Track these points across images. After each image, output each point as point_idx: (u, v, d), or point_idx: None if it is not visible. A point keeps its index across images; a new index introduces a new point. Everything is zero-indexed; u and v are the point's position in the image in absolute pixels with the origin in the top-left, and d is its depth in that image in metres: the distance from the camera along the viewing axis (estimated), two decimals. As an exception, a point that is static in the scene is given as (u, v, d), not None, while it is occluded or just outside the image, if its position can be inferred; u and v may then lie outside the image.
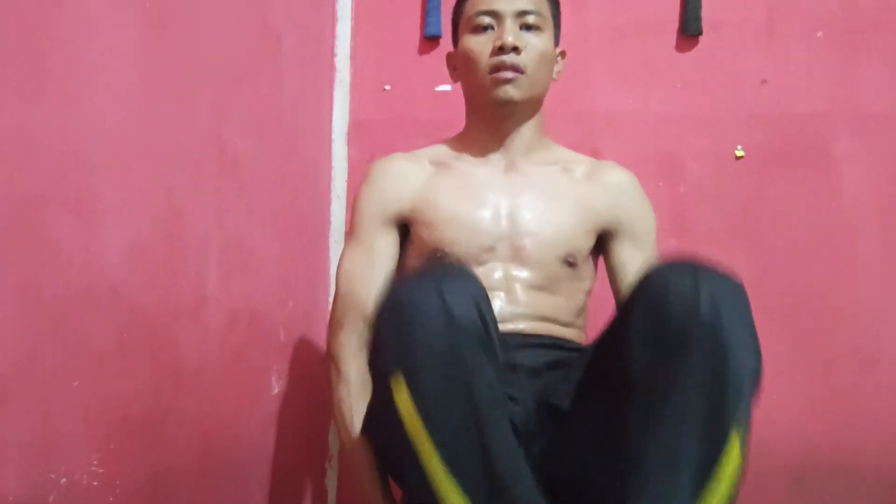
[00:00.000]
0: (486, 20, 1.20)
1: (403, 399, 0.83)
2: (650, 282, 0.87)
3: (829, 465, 1.44)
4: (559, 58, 1.28)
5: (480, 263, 1.16)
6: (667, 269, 0.87)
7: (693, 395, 0.81)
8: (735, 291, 0.84)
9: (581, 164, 1.27)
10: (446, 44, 1.41)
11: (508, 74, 1.17)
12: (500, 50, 1.16)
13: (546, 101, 1.33)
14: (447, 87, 1.59)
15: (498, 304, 1.13)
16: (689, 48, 1.54)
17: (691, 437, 0.80)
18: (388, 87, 1.63)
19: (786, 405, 1.46)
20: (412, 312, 0.84)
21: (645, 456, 0.82)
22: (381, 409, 0.91)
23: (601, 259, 1.28)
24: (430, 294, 0.84)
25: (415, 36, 1.62)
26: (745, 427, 0.81)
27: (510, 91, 1.18)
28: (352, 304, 1.19)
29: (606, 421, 0.90)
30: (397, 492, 1.05)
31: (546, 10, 1.23)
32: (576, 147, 1.45)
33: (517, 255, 1.16)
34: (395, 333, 0.85)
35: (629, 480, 0.83)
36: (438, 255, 1.16)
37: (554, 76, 1.26)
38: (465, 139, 1.28)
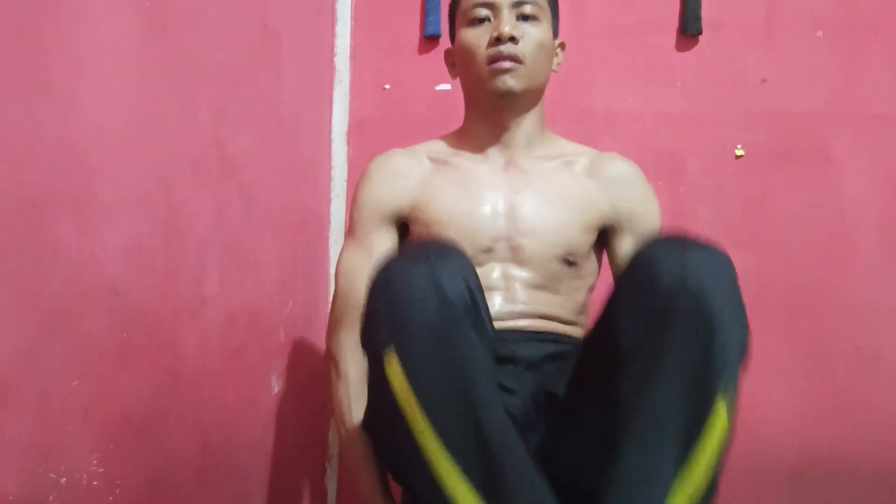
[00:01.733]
0: (483, 12, 1.19)
1: (395, 372, 0.86)
2: (639, 257, 0.90)
3: (828, 464, 1.44)
4: (559, 49, 1.26)
5: (478, 264, 1.15)
6: (656, 244, 0.90)
7: (679, 364, 0.82)
8: (721, 264, 0.87)
9: (583, 156, 1.25)
10: (446, 43, 1.41)
11: (507, 64, 1.15)
12: (498, 40, 1.15)
13: (545, 101, 1.33)
14: (447, 87, 1.59)
15: (497, 302, 1.13)
16: (689, 48, 1.54)
17: (676, 405, 0.82)
18: (387, 87, 1.62)
19: (786, 405, 1.46)
20: (404, 290, 0.87)
21: (632, 424, 0.84)
22: (373, 384, 0.93)
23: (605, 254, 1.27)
24: (421, 272, 0.87)
25: (415, 36, 1.62)
26: (731, 394, 0.82)
27: (509, 81, 1.16)
28: (351, 304, 1.18)
29: (602, 404, 0.91)
30: (396, 490, 1.05)
31: (543, 0, 1.22)
32: (576, 147, 1.44)
33: (515, 256, 1.16)
34: (387, 310, 0.88)
35: (618, 449, 0.84)
36: (431, 237, 1.17)
37: (554, 67, 1.25)
38: (464, 135, 1.27)
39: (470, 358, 0.86)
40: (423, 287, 0.86)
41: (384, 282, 0.90)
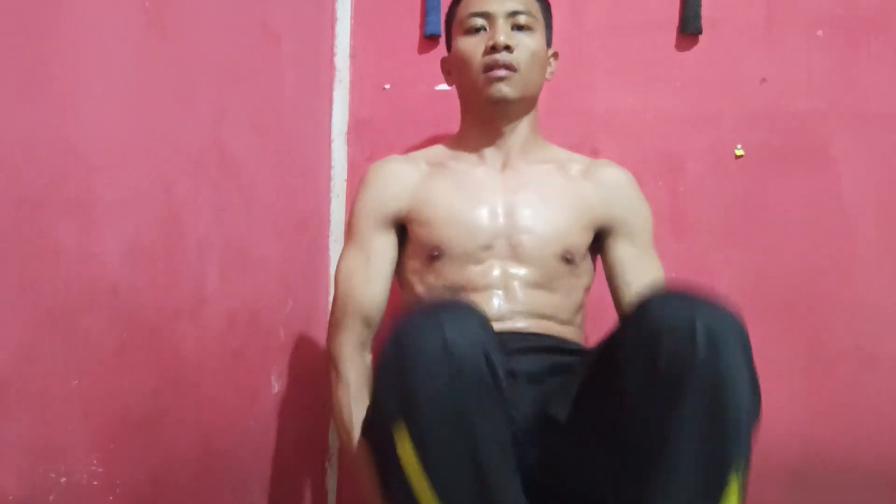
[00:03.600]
0: (479, 22, 1.23)
1: (406, 450, 0.80)
2: (645, 314, 0.84)
3: (829, 464, 1.44)
4: (552, 59, 1.30)
5: (478, 262, 1.17)
6: (662, 301, 0.83)
7: (690, 440, 0.79)
8: (734, 328, 0.81)
9: (577, 162, 1.28)
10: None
11: (501, 73, 1.19)
12: (493, 49, 1.19)
13: (545, 101, 1.34)
14: (447, 87, 1.58)
15: (496, 302, 1.14)
16: (689, 47, 1.54)
17: (689, 483, 0.79)
18: (387, 87, 1.62)
19: (786, 405, 1.46)
20: (414, 357, 0.80)
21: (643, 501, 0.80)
22: (383, 456, 0.87)
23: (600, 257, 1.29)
24: (432, 337, 0.80)
25: (415, 35, 1.62)
26: (744, 469, 0.80)
27: (504, 89, 1.20)
28: (350, 306, 1.19)
29: (603, 438, 0.89)
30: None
31: (537, 10, 1.26)
32: (575, 146, 1.45)
33: (514, 253, 1.17)
34: (396, 378, 0.82)
35: None
36: (444, 292, 1.15)
37: (547, 76, 1.29)
38: (461, 140, 1.30)
39: (485, 437, 0.80)
40: (434, 357, 0.79)
41: (394, 346, 0.83)
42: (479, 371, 0.80)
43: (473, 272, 1.16)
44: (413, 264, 1.22)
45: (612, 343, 0.89)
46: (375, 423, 0.89)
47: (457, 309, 0.85)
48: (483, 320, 0.85)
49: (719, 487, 0.78)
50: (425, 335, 0.81)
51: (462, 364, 0.79)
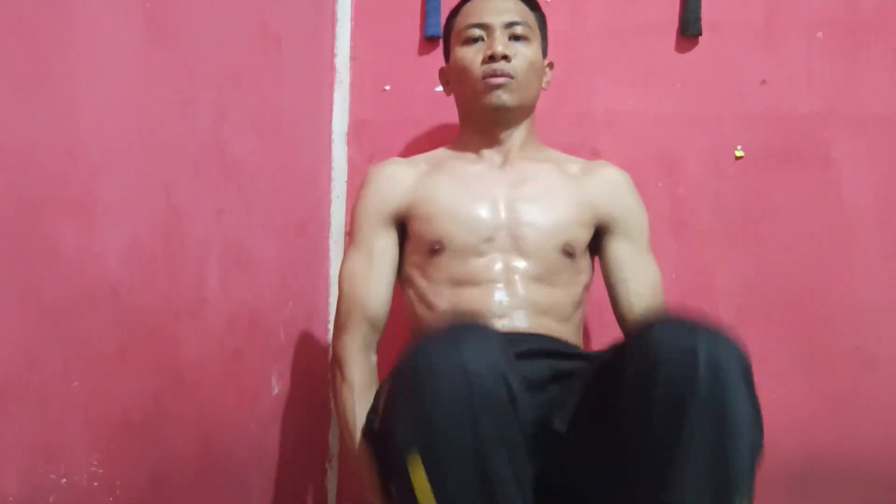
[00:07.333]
0: (477, 32, 1.26)
1: (420, 479, 0.78)
2: (645, 341, 0.81)
3: (829, 465, 1.44)
4: (548, 69, 1.34)
5: (480, 255, 1.17)
6: (663, 328, 0.81)
7: (693, 473, 0.77)
8: (737, 358, 0.79)
9: (574, 163, 1.31)
10: (446, 44, 1.42)
11: (500, 80, 1.22)
12: (491, 59, 1.22)
13: (546, 102, 1.34)
14: (447, 88, 1.59)
15: (497, 296, 1.15)
16: (689, 49, 1.54)
17: None
18: (387, 88, 1.63)
19: (786, 405, 1.46)
20: (432, 385, 0.78)
21: None
22: (396, 484, 0.83)
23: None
24: (452, 364, 0.77)
25: (415, 36, 1.62)
26: (748, 499, 0.78)
27: (503, 96, 1.22)
28: (354, 307, 1.20)
29: (603, 458, 0.87)
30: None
31: (533, 21, 1.29)
32: (575, 147, 1.45)
33: (516, 246, 1.18)
34: (412, 406, 0.79)
35: None
36: (460, 315, 1.13)
37: (543, 85, 1.32)
38: (461, 143, 1.32)
39: (502, 470, 0.78)
40: (454, 386, 0.77)
41: (410, 372, 0.80)
42: (500, 403, 0.78)
43: (475, 265, 1.17)
44: (414, 259, 1.23)
45: (612, 364, 0.87)
46: (388, 448, 0.86)
47: (476, 334, 0.82)
48: (502, 344, 0.82)
49: None
50: (444, 362, 0.78)
51: (483, 396, 0.77)
